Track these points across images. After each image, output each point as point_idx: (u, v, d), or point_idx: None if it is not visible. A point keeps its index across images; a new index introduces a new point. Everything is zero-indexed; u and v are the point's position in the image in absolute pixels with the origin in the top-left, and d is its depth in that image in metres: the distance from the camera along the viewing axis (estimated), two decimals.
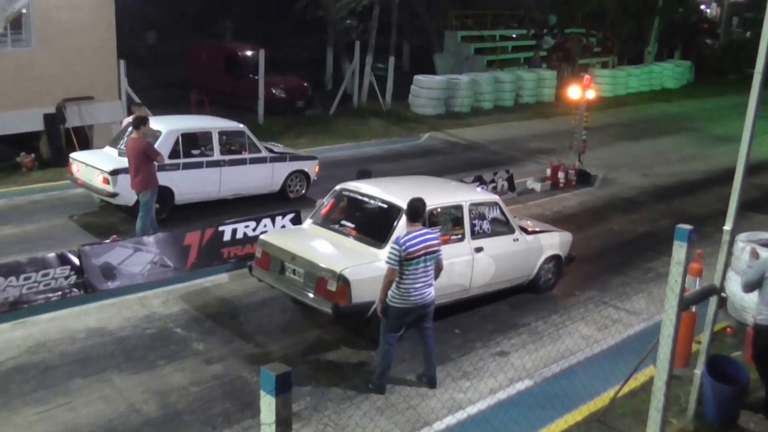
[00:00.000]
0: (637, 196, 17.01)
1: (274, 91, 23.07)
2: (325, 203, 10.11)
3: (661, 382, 6.25)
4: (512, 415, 7.59)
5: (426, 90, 25.89)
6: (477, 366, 8.79)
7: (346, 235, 9.46)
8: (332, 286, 8.53)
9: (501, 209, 10.24)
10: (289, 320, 9.80)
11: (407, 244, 7.60)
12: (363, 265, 8.74)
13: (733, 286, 9.79)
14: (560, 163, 17.36)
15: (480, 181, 15.05)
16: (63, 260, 9.97)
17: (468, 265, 9.68)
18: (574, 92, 16.85)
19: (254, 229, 11.73)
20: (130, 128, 12.18)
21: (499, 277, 10.23)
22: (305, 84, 24.92)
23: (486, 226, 9.99)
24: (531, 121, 25.82)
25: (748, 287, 7.69)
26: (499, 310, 10.45)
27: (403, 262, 7.57)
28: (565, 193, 16.67)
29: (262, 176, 14.24)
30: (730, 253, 7.25)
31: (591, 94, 17.02)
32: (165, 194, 12.73)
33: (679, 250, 6.12)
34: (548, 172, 17.11)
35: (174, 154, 12.91)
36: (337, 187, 10.15)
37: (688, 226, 6.11)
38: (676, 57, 40.27)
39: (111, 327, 9.28)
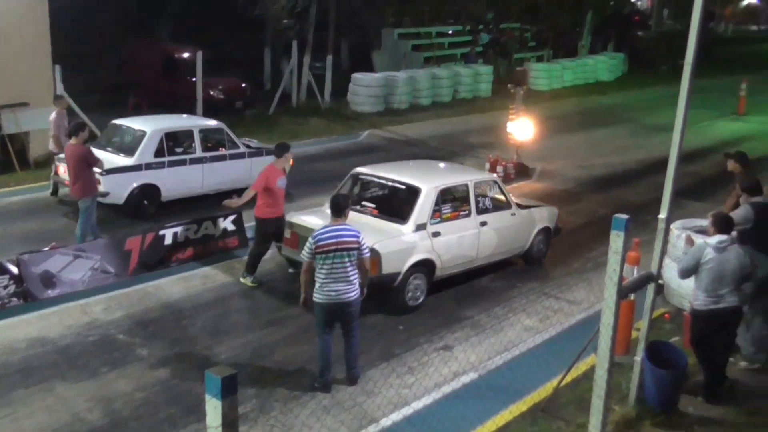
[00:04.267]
0: (575, 188, 17.29)
1: (212, 92, 22.84)
2: (342, 187, 10.90)
3: (602, 370, 6.38)
4: (458, 409, 7.67)
5: (364, 88, 25.91)
6: (421, 361, 8.84)
7: (368, 214, 10.43)
8: (369, 255, 8.44)
9: (500, 187, 11.37)
10: (234, 322, 9.75)
11: (318, 237, 7.74)
12: (390, 239, 9.76)
13: (670, 272, 10.02)
14: (499, 156, 17.55)
15: None
16: (1, 270, 9.73)
17: (475, 237, 10.74)
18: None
19: (196, 232, 11.62)
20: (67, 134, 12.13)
21: (501, 248, 11.32)
22: (244, 84, 24.74)
23: (488, 202, 11.12)
24: (469, 116, 26.05)
25: (685, 273, 7.87)
26: (443, 304, 10.52)
27: (315, 255, 7.69)
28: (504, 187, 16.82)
29: (241, 171, 14.64)
30: (666, 241, 7.40)
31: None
32: (152, 191, 13.46)
33: (617, 240, 6.25)
34: (487, 166, 17.28)
35: (159, 152, 13.50)
36: (353, 172, 11.08)
37: (624, 216, 6.24)
38: (610, 49, 41.03)
39: (52, 336, 9.10)
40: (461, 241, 10.49)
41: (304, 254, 7.82)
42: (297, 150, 19.39)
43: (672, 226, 10.02)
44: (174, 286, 10.73)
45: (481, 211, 10.88)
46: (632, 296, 8.11)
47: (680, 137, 6.83)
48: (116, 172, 12.89)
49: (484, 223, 10.83)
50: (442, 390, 8.18)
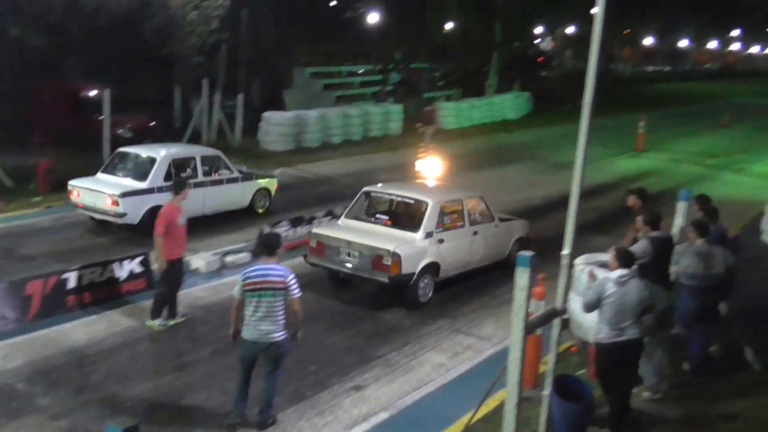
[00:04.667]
0: None
1: (120, 130, 22.41)
2: (354, 204, 12.89)
3: (511, 405, 6.46)
4: None
5: (275, 126, 25.87)
6: (332, 403, 8.77)
7: (383, 225, 12.30)
8: (388, 261, 11.27)
9: (485, 203, 13.32)
10: (141, 367, 9.47)
11: (246, 274, 7.86)
12: (407, 245, 11.62)
13: (575, 306, 10.22)
14: None
15: (332, 215, 15.07)
16: None
17: (470, 245, 12.73)
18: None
19: (101, 275, 11.30)
20: None
21: (489, 254, 13.32)
22: (153, 123, 24.38)
23: (477, 215, 13.03)
24: (379, 154, 26.25)
25: (588, 308, 8.07)
26: (354, 343, 10.50)
27: (244, 291, 7.84)
28: None
29: (236, 194, 16.49)
30: (570, 276, 7.57)
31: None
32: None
33: (522, 276, 6.37)
34: None
35: (167, 176, 14.69)
36: (364, 190, 13.08)
37: (528, 253, 6.38)
38: (516, 89, 42.01)
39: None
40: (459, 248, 12.48)
41: (235, 290, 7.95)
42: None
43: (576, 260, 10.24)
44: (78, 331, 10.37)
45: (472, 222, 12.81)
46: (539, 331, 8.25)
47: (581, 174, 7.03)
48: (132, 194, 14.41)
49: (476, 233, 12.82)
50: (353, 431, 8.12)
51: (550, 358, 7.82)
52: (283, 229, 14.19)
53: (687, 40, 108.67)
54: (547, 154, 27.54)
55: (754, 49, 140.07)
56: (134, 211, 14.40)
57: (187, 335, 10.45)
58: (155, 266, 10.98)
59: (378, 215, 12.77)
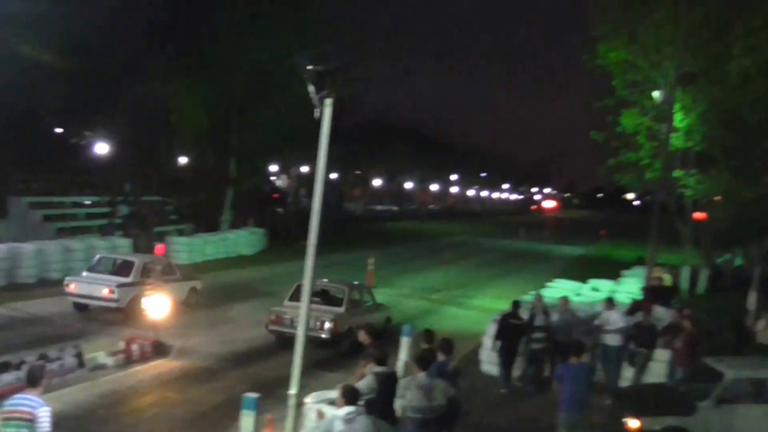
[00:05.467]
0: (214, 364, 17.05)
1: None
2: (292, 294, 18.83)
3: None
4: None
5: None
6: None
7: (317, 303, 17.77)
8: (330, 323, 18.01)
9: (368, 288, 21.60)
10: None
11: (6, 402, 7.63)
12: (337, 312, 18.48)
13: None
14: (134, 335, 16.88)
15: (45, 358, 13.91)
16: None
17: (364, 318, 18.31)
18: None
19: None
20: None
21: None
22: None
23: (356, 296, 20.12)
24: None
25: None
26: None
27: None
28: (140, 366, 16.13)
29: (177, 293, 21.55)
30: (298, 416, 7.50)
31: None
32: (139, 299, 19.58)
33: (248, 419, 6.22)
34: (122, 345, 16.47)
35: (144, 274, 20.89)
36: (298, 284, 17.07)
37: (254, 395, 6.25)
38: (251, 225, 42.35)
39: None
40: (361, 319, 18.31)
41: None
42: None
43: (306, 398, 10.20)
44: None
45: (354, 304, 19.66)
46: None
47: (306, 313, 7.11)
48: (124, 286, 20.30)
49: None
50: None
51: None
52: None
53: (412, 182, 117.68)
54: (281, 291, 27.56)
55: (470, 192, 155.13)
56: (124, 299, 20.21)
57: None
58: None
59: (314, 297, 15.27)
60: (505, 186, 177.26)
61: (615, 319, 17.13)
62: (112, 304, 20.10)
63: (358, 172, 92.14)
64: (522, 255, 54.89)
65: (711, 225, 33.82)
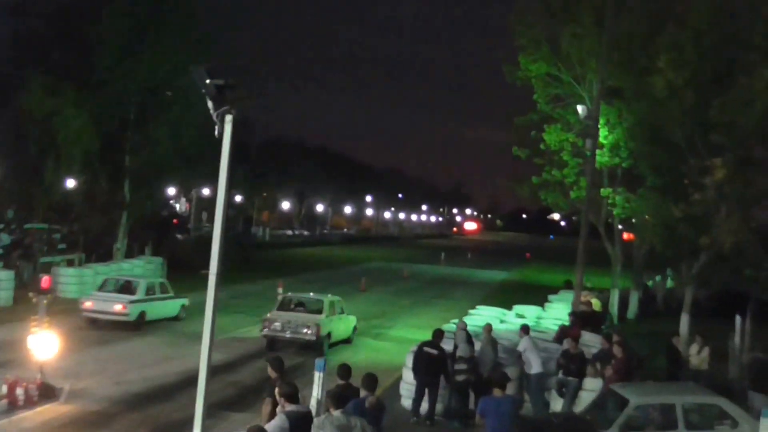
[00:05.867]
0: (109, 407, 16.54)
1: None
2: (279, 302, 25.13)
3: None
4: None
5: None
6: None
7: (300, 312, 24.55)
8: (314, 328, 23.32)
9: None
10: None
11: None
12: (320, 318, 23.74)
13: None
14: (18, 377, 16.27)
15: None
16: None
17: (339, 322, 26.09)
18: None
19: None
20: None
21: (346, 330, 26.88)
22: None
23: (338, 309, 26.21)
24: None
25: None
26: None
27: None
28: (26, 412, 15.52)
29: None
30: None
31: None
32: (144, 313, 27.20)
33: None
34: (4, 389, 15.86)
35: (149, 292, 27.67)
36: (285, 294, 26.59)
37: None
38: (148, 253, 41.49)
39: None
40: (339, 325, 25.40)
41: None
42: None
43: None
44: None
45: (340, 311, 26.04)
46: None
47: (208, 350, 7.00)
48: (136, 302, 26.15)
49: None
50: None
51: None
52: None
53: (323, 204, 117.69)
54: (181, 325, 27.26)
55: (387, 215, 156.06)
56: (134, 314, 26.13)
57: None
58: None
59: (298, 307, 25.39)
60: (425, 208, 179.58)
61: (529, 346, 17.54)
62: (121, 317, 25.99)
63: (265, 194, 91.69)
64: (443, 281, 55.56)
65: (640, 246, 34.93)
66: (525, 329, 18.41)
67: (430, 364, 16.84)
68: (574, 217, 44.59)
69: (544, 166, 33.38)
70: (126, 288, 27.31)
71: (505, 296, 41.71)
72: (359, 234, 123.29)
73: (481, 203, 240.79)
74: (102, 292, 26.91)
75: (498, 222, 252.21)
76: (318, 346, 23.38)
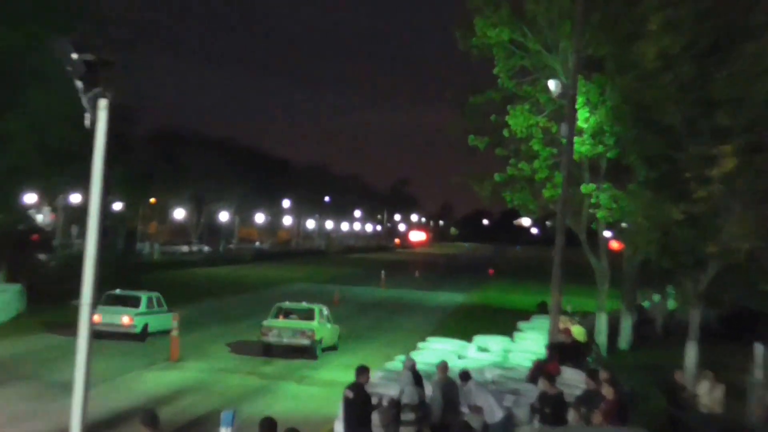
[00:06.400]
0: None
1: None
2: (275, 312, 34.08)
3: None
4: None
5: None
6: None
7: (295, 319, 33.67)
8: (310, 333, 32.35)
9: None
10: None
11: None
12: (315, 324, 33.06)
13: None
14: None
15: None
16: None
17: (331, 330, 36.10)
18: None
19: None
20: None
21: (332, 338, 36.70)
22: None
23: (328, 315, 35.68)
24: None
25: None
26: None
27: None
28: None
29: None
30: None
31: None
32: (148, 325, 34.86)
33: None
34: None
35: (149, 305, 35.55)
36: (277, 305, 34.91)
37: None
38: (1, 279, 40.66)
39: None
40: (328, 332, 34.31)
41: None
42: None
43: None
44: None
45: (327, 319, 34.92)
46: None
47: (82, 403, 6.81)
48: (141, 315, 33.84)
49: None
50: None
51: None
52: None
53: (228, 212, 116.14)
54: (45, 372, 26.70)
55: (311, 223, 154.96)
56: (141, 327, 33.75)
57: None
58: None
59: (291, 315, 33.82)
60: (358, 214, 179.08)
61: (477, 391, 17.50)
62: (127, 330, 33.57)
63: (153, 199, 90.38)
64: (384, 306, 55.63)
65: (632, 257, 34.72)
66: (464, 376, 18.13)
67: (347, 410, 16.73)
68: (547, 222, 44.88)
69: (509, 159, 33.15)
70: (132, 302, 34.87)
71: (463, 324, 41.78)
72: (275, 248, 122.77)
73: (431, 207, 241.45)
74: (101, 307, 32.49)
75: (452, 230, 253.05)
76: (312, 351, 32.31)
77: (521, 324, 33.96)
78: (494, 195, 34.95)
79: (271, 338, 32.20)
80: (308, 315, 33.59)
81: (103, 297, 33.15)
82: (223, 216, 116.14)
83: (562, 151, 28.97)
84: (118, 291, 35.44)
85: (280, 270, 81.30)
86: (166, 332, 32.33)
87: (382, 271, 76.68)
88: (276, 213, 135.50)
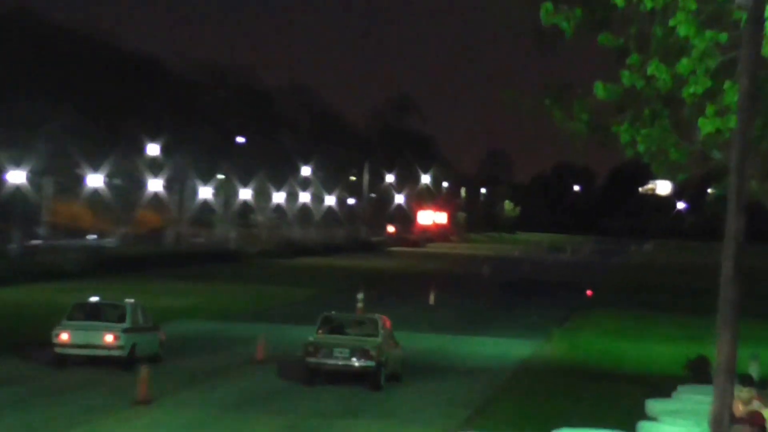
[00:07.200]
0: None
1: None
2: (321, 325, 29.18)
3: None
4: None
5: None
6: None
7: (349, 335, 29.40)
8: (374, 352, 27.63)
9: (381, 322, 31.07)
10: None
11: None
12: (377, 341, 28.46)
13: None
14: None
15: None
16: None
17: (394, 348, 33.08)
18: None
19: None
20: None
21: (398, 359, 33.13)
22: None
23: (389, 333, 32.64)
24: None
25: None
26: None
27: None
28: None
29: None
30: None
31: None
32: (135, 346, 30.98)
33: None
34: None
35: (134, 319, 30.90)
36: (324, 316, 30.02)
37: None
38: None
39: None
40: (396, 352, 30.31)
41: None
42: None
43: None
44: None
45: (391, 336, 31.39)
46: None
47: None
48: (130, 331, 28.85)
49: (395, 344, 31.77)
50: None
51: None
52: None
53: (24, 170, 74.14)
54: None
55: (206, 192, 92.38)
56: (128, 346, 28.56)
57: None
58: None
59: (346, 330, 30.04)
60: (308, 172, 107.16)
61: None
62: (111, 352, 28.28)
63: None
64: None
65: None
66: None
67: None
68: (709, 190, 32.34)
69: (625, 57, 17.01)
70: (117, 315, 29.78)
71: (531, 406, 25.44)
72: (130, 246, 76.23)
73: (465, 159, 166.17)
74: (77, 322, 29.10)
75: (507, 206, 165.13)
76: (375, 378, 27.39)
77: (653, 404, 20.60)
78: (595, 132, 19.27)
79: (320, 358, 27.46)
80: (370, 327, 29.21)
81: (69, 308, 29.80)
82: (16, 176, 67.16)
83: (739, 41, 15.20)
84: (92, 299, 31.62)
85: (139, 291, 46.97)
86: (153, 358, 28.58)
87: (359, 295, 45.37)
88: (132, 169, 77.72)
